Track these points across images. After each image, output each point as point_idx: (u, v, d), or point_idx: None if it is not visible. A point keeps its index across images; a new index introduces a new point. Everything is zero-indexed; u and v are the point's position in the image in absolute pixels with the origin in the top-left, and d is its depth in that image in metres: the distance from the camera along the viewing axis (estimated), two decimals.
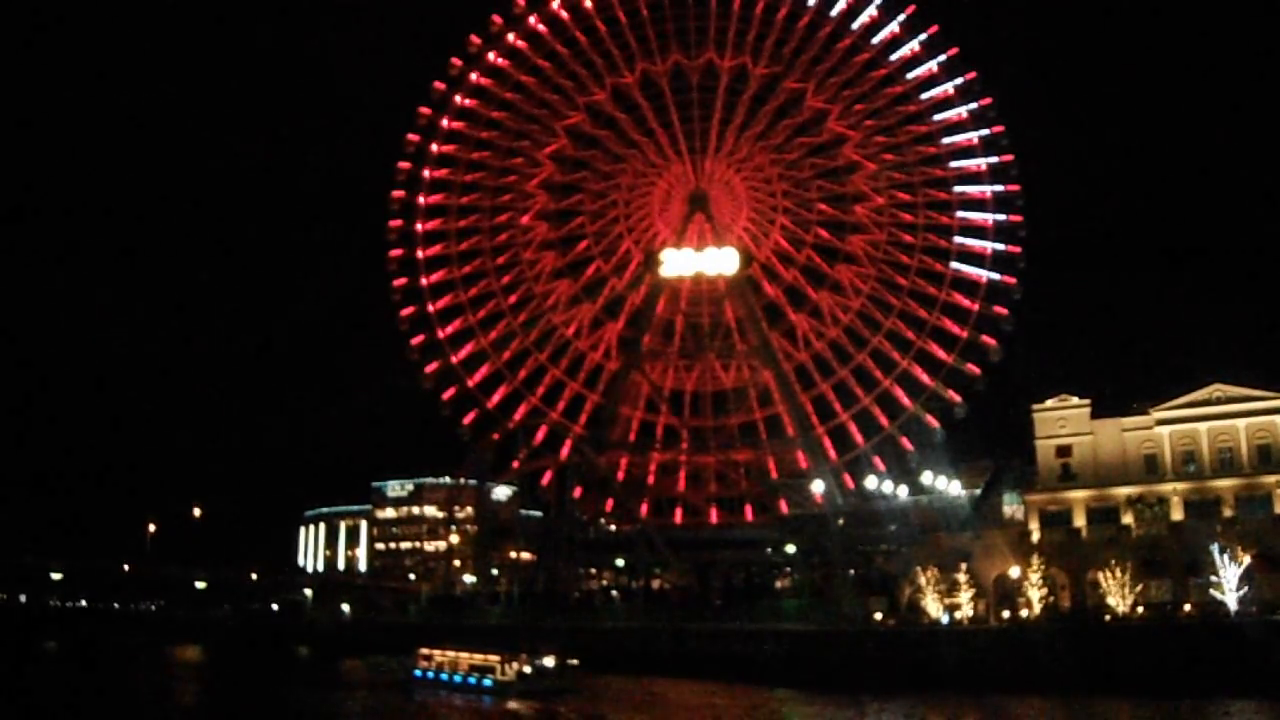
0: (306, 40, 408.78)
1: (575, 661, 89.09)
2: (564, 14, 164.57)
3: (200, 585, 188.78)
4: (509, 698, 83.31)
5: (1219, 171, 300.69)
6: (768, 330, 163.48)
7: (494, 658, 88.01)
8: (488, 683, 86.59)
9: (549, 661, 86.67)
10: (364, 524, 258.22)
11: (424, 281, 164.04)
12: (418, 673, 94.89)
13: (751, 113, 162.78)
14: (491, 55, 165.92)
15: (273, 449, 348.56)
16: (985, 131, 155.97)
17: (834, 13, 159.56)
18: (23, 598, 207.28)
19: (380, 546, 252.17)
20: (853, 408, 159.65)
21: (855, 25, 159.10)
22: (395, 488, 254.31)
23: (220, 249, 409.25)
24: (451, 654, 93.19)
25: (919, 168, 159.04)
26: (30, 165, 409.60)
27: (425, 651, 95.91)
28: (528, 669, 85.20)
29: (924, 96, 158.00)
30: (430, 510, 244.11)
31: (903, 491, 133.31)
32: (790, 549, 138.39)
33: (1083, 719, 74.52)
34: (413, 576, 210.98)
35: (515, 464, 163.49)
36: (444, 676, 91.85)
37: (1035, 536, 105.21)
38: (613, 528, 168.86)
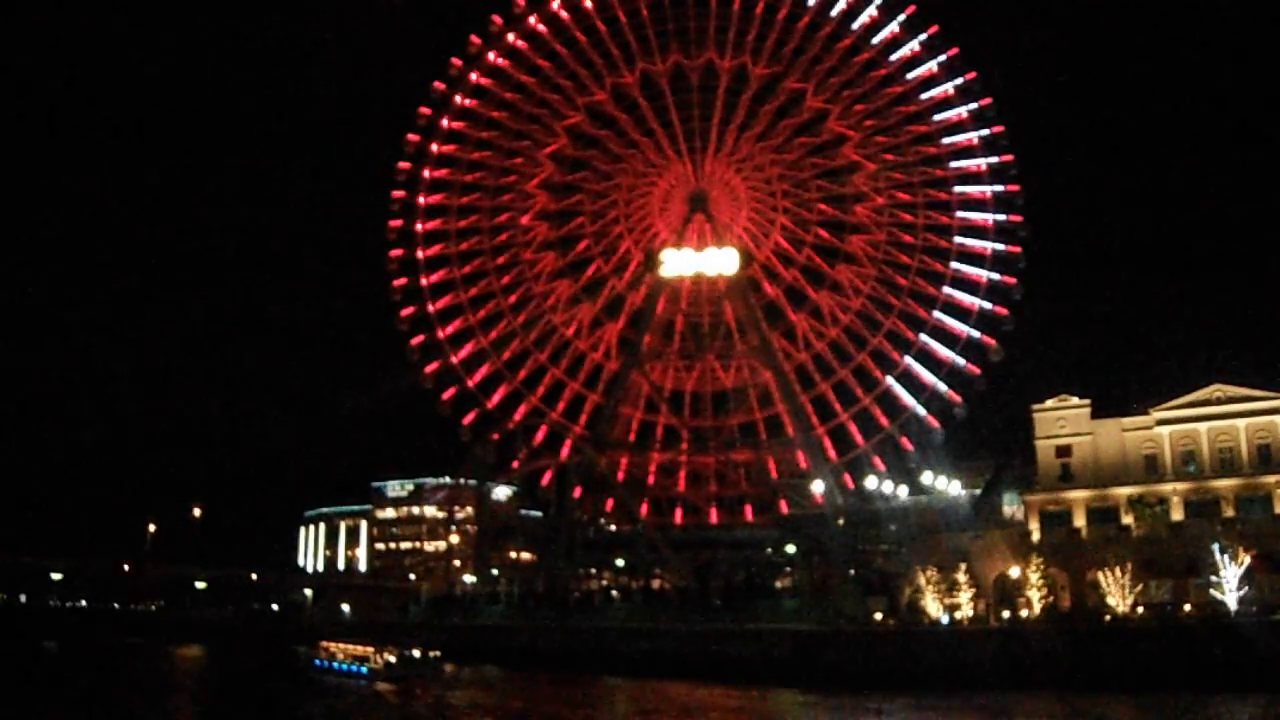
0: (307, 40, 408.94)
1: (437, 653, 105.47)
2: (564, 14, 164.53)
3: (200, 585, 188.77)
4: (377, 680, 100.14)
5: (1219, 171, 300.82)
6: (768, 330, 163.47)
7: (369, 649, 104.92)
8: (363, 670, 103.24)
9: (415, 653, 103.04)
10: (364, 524, 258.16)
11: (424, 281, 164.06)
12: (317, 661, 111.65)
13: (751, 113, 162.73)
14: (491, 55, 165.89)
15: (273, 449, 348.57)
16: (985, 131, 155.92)
17: (834, 13, 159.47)
18: (23, 598, 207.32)
19: (380, 546, 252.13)
20: (853, 408, 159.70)
21: (855, 25, 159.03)
22: (395, 488, 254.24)
23: (220, 248, 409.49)
24: (340, 646, 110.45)
25: (919, 168, 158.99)
26: (31, 163, 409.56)
27: (323, 644, 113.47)
28: (393, 659, 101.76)
29: (924, 96, 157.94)
30: (430, 510, 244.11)
31: (903, 491, 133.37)
32: (790, 549, 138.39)
33: (1082, 718, 74.47)
34: (413, 576, 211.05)
35: (515, 464, 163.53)
36: (333, 665, 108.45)
37: (1035, 536, 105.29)
38: (613, 528, 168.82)
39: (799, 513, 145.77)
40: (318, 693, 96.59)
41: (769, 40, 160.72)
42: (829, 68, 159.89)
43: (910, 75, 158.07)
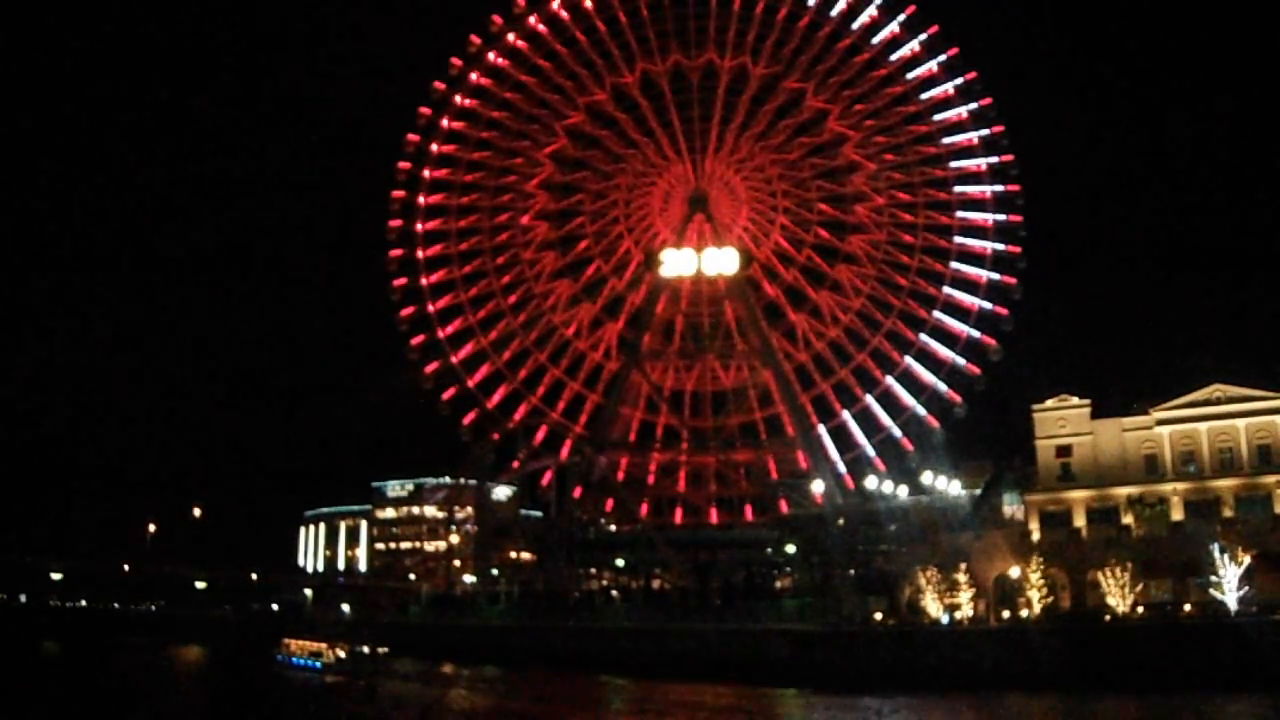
0: (307, 40, 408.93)
1: (385, 649, 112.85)
2: (564, 14, 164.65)
3: (200, 585, 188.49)
4: (328, 673, 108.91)
5: (1219, 171, 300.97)
6: (768, 330, 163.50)
7: (323, 645, 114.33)
8: (317, 664, 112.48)
9: (364, 649, 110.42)
10: (364, 524, 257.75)
11: (424, 281, 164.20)
12: (279, 657, 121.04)
13: (751, 113, 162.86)
14: (491, 55, 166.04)
15: (273, 449, 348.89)
16: (985, 131, 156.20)
17: (834, 13, 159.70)
18: (23, 598, 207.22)
19: (380, 546, 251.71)
20: (853, 408, 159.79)
21: (855, 25, 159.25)
22: (395, 488, 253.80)
23: (220, 249, 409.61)
24: (299, 643, 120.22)
25: (919, 168, 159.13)
26: (31, 165, 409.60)
27: (286, 641, 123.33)
28: (343, 654, 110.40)
29: (924, 96, 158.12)
30: (430, 510, 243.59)
31: (903, 491, 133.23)
32: (790, 549, 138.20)
33: (1082, 717, 74.44)
34: (413, 576, 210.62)
35: (515, 464, 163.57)
36: (293, 660, 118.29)
37: (1035, 536, 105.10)
38: (613, 528, 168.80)
39: (799, 513, 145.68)
40: (279, 686, 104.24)
41: (769, 40, 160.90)
42: (829, 68, 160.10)
43: (910, 75, 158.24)
